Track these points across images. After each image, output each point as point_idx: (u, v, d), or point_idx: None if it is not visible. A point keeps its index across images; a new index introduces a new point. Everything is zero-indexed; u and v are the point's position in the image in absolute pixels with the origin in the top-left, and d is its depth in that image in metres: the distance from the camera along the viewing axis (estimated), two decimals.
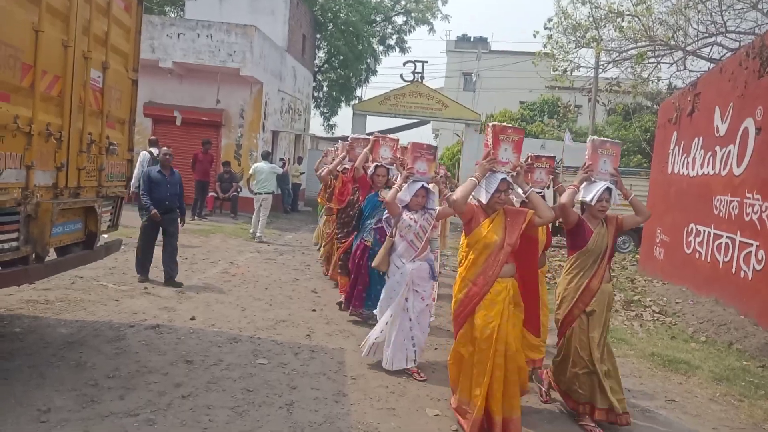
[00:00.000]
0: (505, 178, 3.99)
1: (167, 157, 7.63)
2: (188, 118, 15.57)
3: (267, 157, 12.98)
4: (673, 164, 10.46)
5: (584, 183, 4.36)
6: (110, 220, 5.55)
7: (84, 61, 4.57)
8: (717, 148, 8.47)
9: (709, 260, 8.36)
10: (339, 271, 7.24)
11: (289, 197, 18.45)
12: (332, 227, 8.05)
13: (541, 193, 4.72)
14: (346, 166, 7.55)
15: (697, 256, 8.78)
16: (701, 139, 9.20)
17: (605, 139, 4.46)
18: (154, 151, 12.80)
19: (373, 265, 5.18)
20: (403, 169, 5.95)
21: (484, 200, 4.02)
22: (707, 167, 8.79)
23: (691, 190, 9.37)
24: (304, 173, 20.23)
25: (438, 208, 5.18)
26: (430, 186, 5.13)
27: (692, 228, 9.04)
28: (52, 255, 4.69)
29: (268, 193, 12.24)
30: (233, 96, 15.89)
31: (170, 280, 7.46)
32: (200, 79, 15.74)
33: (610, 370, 4.31)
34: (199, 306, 6.72)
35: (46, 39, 3.99)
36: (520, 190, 4.17)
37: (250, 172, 12.50)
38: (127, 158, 5.71)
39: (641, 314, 8.07)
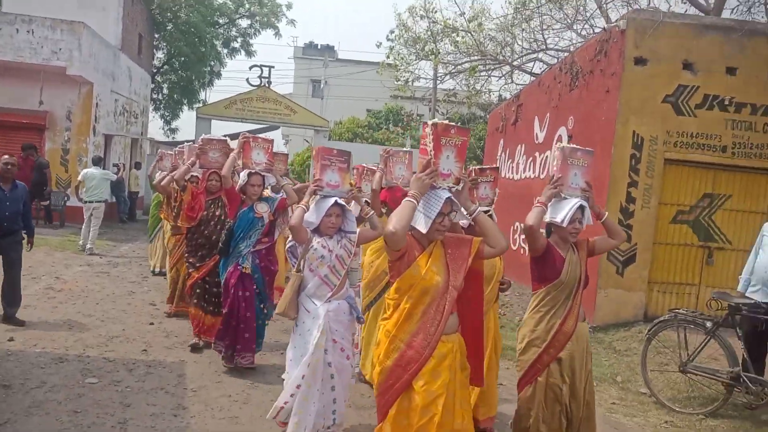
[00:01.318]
0: (449, 197, 2.98)
1: (8, 167, 6.08)
2: (6, 121, 14.02)
3: (98, 162, 12.10)
4: (500, 169, 11.39)
5: (552, 200, 3.52)
6: None
7: None
8: (537, 154, 9.38)
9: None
10: (193, 302, 5.96)
11: (125, 205, 17.32)
12: (178, 249, 6.93)
13: (488, 212, 4.06)
14: (196, 175, 6.42)
15: (522, 252, 9.62)
16: (524, 146, 10.12)
17: (576, 146, 3.65)
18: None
19: (277, 312, 3.84)
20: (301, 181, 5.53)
21: (423, 228, 2.94)
22: (529, 171, 9.69)
23: (516, 192, 10.26)
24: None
25: (358, 230, 3.94)
26: (348, 203, 3.88)
27: (517, 226, 9.90)
28: None
29: (100, 201, 11.37)
30: (59, 97, 14.57)
31: (10, 318, 6.14)
32: (20, 78, 14.21)
33: None
34: (16, 327, 6.08)
35: None
36: (464, 211, 3.14)
37: (79, 178, 11.56)
38: None
39: None
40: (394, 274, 3.05)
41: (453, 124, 3.04)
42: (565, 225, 3.45)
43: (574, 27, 15.85)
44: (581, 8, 15.69)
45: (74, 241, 11.75)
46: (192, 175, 6.48)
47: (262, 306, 5.38)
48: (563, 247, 3.57)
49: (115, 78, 16.85)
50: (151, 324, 6.73)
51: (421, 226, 2.94)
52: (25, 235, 6.40)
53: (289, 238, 3.89)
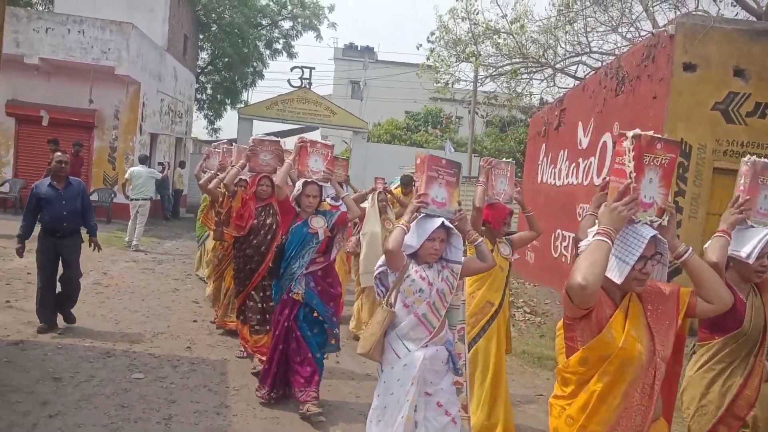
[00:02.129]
0: (654, 235, 2.15)
1: (61, 165, 5.78)
2: (57, 119, 14.51)
3: (144, 161, 12.41)
4: (542, 174, 11.26)
5: (736, 228, 2.85)
6: None
7: None
8: (580, 160, 9.24)
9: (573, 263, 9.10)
10: (239, 318, 5.63)
11: (169, 203, 17.71)
12: (225, 259, 6.43)
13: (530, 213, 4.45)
14: (245, 179, 5.85)
15: (563, 259, 9.50)
16: (566, 151, 9.99)
17: None
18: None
19: (359, 351, 3.17)
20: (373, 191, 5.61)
21: (617, 278, 2.11)
22: (572, 177, 9.55)
23: (557, 198, 10.13)
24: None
25: (463, 259, 3.24)
26: (454, 224, 3.19)
27: (558, 233, 9.77)
28: None
29: (146, 199, 11.69)
30: (107, 96, 15.01)
31: (65, 318, 6.01)
32: (71, 77, 14.72)
33: None
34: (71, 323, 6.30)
35: None
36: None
37: (126, 176, 11.89)
38: None
39: (514, 314, 8.60)
40: (575, 339, 2.20)
41: (659, 136, 2.22)
42: (751, 261, 2.80)
43: (619, 30, 15.53)
44: (626, 11, 15.39)
45: (120, 237, 12.08)
46: (240, 179, 5.88)
47: (324, 330, 4.60)
48: (743, 289, 2.89)
49: (161, 78, 17.27)
50: (195, 321, 6.87)
51: (615, 274, 2.11)
52: (86, 234, 6.07)
53: (379, 263, 3.22)
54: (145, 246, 11.90)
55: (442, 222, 3.07)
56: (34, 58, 13.94)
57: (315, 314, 4.49)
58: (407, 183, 7.86)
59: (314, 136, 35.56)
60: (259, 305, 5.42)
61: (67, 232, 5.78)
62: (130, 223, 11.67)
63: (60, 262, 5.89)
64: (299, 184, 4.42)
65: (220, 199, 5.98)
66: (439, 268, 3.16)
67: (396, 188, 8.48)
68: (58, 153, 5.90)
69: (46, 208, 5.67)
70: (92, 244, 6.05)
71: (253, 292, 5.42)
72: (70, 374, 4.82)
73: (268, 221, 5.48)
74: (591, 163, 8.80)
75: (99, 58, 14.21)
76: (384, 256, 3.18)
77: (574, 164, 9.53)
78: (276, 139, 5.38)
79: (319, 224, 4.46)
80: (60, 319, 6.01)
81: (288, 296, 4.48)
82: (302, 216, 4.51)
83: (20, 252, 5.66)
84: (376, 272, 3.22)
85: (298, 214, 4.52)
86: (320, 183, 4.45)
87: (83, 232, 6.03)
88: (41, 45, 14.01)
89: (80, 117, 14.83)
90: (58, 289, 5.97)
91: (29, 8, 20.04)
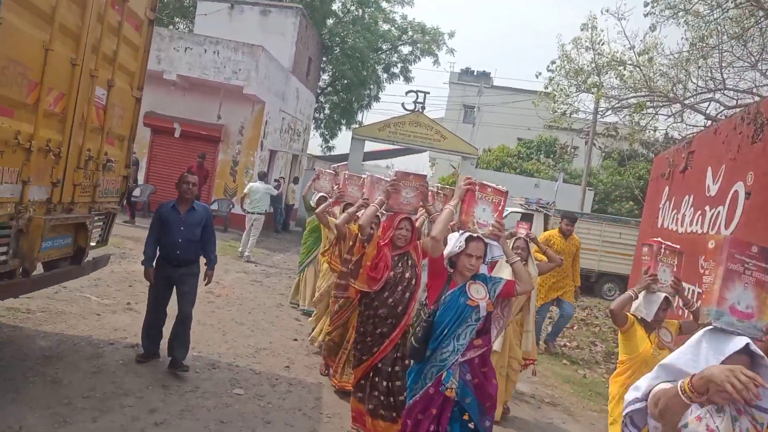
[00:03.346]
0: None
1: (188, 186, 5.31)
2: (187, 131, 15.62)
3: (263, 177, 13.04)
4: (663, 218, 10.57)
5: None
6: (100, 235, 5.56)
7: (90, 79, 4.61)
8: (707, 208, 8.58)
9: (692, 319, 8.41)
10: (358, 395, 4.68)
11: (281, 217, 18.45)
12: (348, 307, 5.41)
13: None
14: (379, 215, 5.00)
15: (680, 312, 8.82)
16: (692, 197, 9.31)
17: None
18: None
19: None
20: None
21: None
22: (696, 225, 8.88)
23: (679, 246, 9.46)
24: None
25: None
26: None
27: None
28: (38, 269, 4.69)
29: (261, 214, 12.26)
30: (234, 113, 15.98)
31: (174, 364, 5.29)
32: (203, 94, 15.83)
33: None
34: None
35: (55, 57, 4.03)
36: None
37: (245, 191, 12.53)
38: (123, 174, 5.73)
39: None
40: None
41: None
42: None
43: (759, 66, 14.45)
44: (767, 46, 14.28)
45: (234, 247, 12.72)
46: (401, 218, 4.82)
47: None
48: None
49: (284, 98, 18.12)
50: (295, 340, 7.05)
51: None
52: (204, 266, 5.51)
53: (632, 396, 2.20)
54: (256, 257, 12.44)
55: (747, 344, 2.03)
56: (173, 75, 15.13)
57: (466, 417, 3.41)
58: (572, 220, 7.73)
59: (423, 157, 35.90)
60: (386, 384, 4.42)
61: (181, 261, 5.28)
62: (244, 235, 12.27)
63: (175, 295, 5.40)
64: (460, 239, 3.44)
65: (350, 242, 5.27)
66: (734, 414, 2.01)
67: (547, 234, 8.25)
68: (188, 174, 5.40)
69: (164, 232, 5.26)
70: (206, 278, 5.52)
71: (380, 365, 4.44)
72: (177, 383, 5.07)
73: (406, 275, 4.49)
74: (719, 212, 8.13)
75: (230, 78, 15.16)
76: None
77: (699, 212, 8.85)
78: (422, 173, 4.52)
79: (479, 294, 3.45)
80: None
81: (436, 390, 3.41)
82: (457, 281, 3.51)
83: (150, 275, 5.30)
84: (627, 409, 2.19)
85: (451, 277, 3.53)
86: (489, 241, 3.48)
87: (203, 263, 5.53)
88: (180, 63, 15.19)
89: (208, 131, 15.85)
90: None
91: (172, 27, 21.84)
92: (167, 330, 5.43)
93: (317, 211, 6.49)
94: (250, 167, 16.08)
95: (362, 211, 5.05)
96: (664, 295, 4.04)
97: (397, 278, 4.49)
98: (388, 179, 4.92)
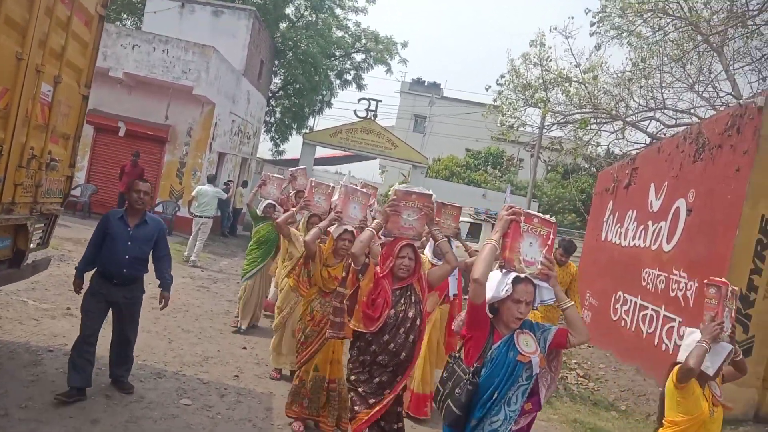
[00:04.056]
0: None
1: (140, 195, 4.73)
2: (133, 131, 15.13)
3: (212, 180, 12.77)
4: (606, 232, 10.93)
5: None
6: (41, 237, 5.29)
7: (36, 74, 4.39)
8: (649, 223, 8.92)
9: (633, 329, 8.71)
10: None
11: (228, 221, 18.11)
12: (314, 338, 4.77)
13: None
14: (349, 229, 4.63)
15: (623, 323, 9.13)
16: (635, 212, 9.67)
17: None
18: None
19: None
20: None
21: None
22: (639, 239, 9.23)
23: (621, 259, 9.79)
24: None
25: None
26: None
27: (620, 296, 9.42)
28: None
29: (209, 217, 11.99)
30: (183, 113, 15.58)
31: (117, 384, 4.91)
32: (150, 93, 15.38)
33: None
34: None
35: (0, 51, 3.83)
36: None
37: (193, 194, 12.22)
38: (67, 174, 5.48)
39: (566, 376, 8.27)
40: None
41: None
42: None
43: (696, 88, 15.18)
44: (705, 69, 15.02)
45: (179, 251, 12.36)
46: (344, 230, 4.63)
47: None
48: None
49: (235, 100, 17.82)
50: (244, 348, 6.90)
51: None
52: (158, 288, 4.99)
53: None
54: (202, 262, 12.14)
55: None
56: (119, 72, 14.64)
57: None
58: (568, 250, 7.02)
59: (372, 164, 35.98)
60: None
61: (125, 280, 4.71)
62: (191, 239, 11.96)
63: (112, 315, 4.84)
64: (506, 281, 2.88)
65: (317, 258, 4.77)
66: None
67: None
68: (139, 182, 4.82)
69: (108, 246, 4.64)
70: (161, 300, 4.97)
71: (382, 422, 3.85)
72: (121, 393, 4.87)
73: (410, 314, 3.75)
74: (661, 227, 8.48)
75: (179, 77, 14.79)
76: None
77: (642, 226, 9.20)
78: (428, 192, 3.82)
79: (530, 347, 2.88)
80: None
81: None
82: (502, 331, 2.94)
83: (78, 287, 4.79)
84: None
85: (493, 328, 2.96)
86: (537, 282, 2.94)
87: (148, 282, 5.06)
88: (127, 60, 14.71)
89: (155, 131, 15.41)
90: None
91: (118, 24, 21.19)
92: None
93: (279, 221, 5.77)
94: (197, 169, 15.71)
95: (333, 226, 4.63)
96: (730, 346, 3.53)
97: (399, 318, 3.72)
98: (364, 190, 4.74)
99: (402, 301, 3.77)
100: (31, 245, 4.95)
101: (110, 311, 4.81)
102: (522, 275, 2.88)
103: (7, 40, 3.93)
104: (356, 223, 4.53)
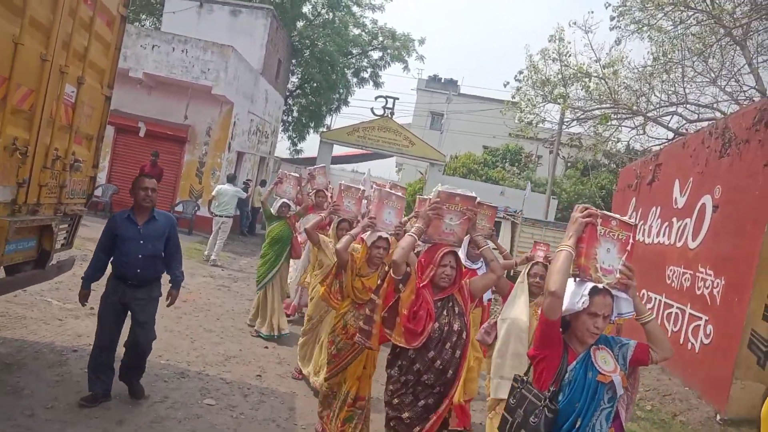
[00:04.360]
0: None
1: (147, 193, 4.54)
2: (153, 131, 15.24)
3: (232, 180, 12.82)
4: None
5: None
6: (65, 238, 5.33)
7: (60, 75, 4.41)
8: (674, 220, 8.77)
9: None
10: None
11: (247, 220, 18.18)
12: (348, 351, 4.45)
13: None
14: (384, 234, 4.36)
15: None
16: (659, 208, 9.52)
17: None
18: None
19: None
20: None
21: None
22: (663, 237, 9.07)
23: (645, 257, 9.64)
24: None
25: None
26: None
27: (644, 294, 9.26)
28: (0, 272, 4.47)
29: (229, 217, 12.04)
30: (202, 113, 15.67)
31: (132, 392, 4.74)
32: (170, 93, 15.48)
33: None
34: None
35: (25, 52, 3.85)
36: None
37: (213, 193, 12.28)
38: (90, 175, 5.52)
39: None
40: None
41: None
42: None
43: (718, 82, 14.91)
44: (728, 62, 14.74)
45: (199, 251, 12.44)
46: (378, 236, 4.35)
47: None
48: None
49: (253, 100, 17.87)
50: (266, 348, 6.90)
51: None
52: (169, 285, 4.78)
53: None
54: (222, 261, 12.19)
55: None
56: (139, 72, 14.75)
57: None
58: None
59: (389, 162, 35.93)
60: None
61: (141, 280, 4.54)
62: (211, 238, 12.01)
63: (129, 318, 4.68)
64: (581, 291, 2.59)
65: (349, 268, 4.44)
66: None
67: None
68: (145, 179, 4.62)
69: (119, 247, 4.50)
70: (169, 297, 4.79)
71: None
72: (146, 393, 4.88)
73: (455, 326, 3.40)
74: (686, 224, 8.32)
75: (198, 77, 14.86)
76: None
77: (667, 223, 9.05)
78: (472, 195, 3.54)
79: (608, 366, 2.60)
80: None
81: None
82: (576, 349, 2.64)
83: (84, 298, 4.64)
84: None
85: (567, 345, 2.64)
86: (615, 292, 2.62)
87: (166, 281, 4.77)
88: (146, 60, 14.82)
89: (174, 131, 15.50)
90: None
91: (138, 24, 21.36)
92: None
93: (308, 227, 5.47)
94: (216, 169, 15.78)
95: (367, 233, 4.42)
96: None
97: (444, 331, 3.35)
98: (399, 194, 4.41)
99: (444, 312, 3.41)
100: (56, 246, 4.98)
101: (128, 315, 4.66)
102: (599, 285, 2.58)
103: (31, 41, 3.94)
104: (391, 229, 4.29)
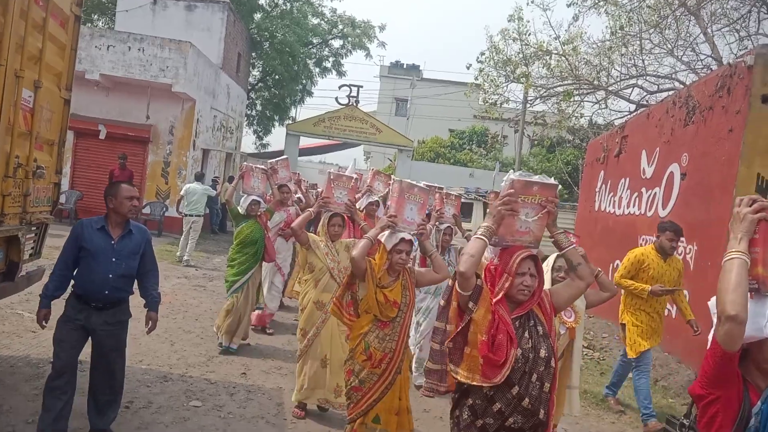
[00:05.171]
0: None
1: (134, 203, 3.96)
2: (114, 133, 14.89)
3: (200, 178, 12.62)
4: (599, 202, 10.94)
5: None
6: (33, 248, 5.18)
7: (15, 80, 4.24)
8: (643, 190, 8.92)
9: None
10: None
11: (217, 217, 17.93)
12: (372, 380, 3.73)
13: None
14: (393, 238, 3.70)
15: (622, 292, 9.13)
16: (628, 180, 9.67)
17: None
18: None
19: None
20: None
21: None
22: (633, 207, 9.23)
23: (617, 227, 9.80)
24: None
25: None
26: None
27: (617, 265, 9.41)
28: None
29: (200, 215, 11.85)
30: (163, 112, 15.34)
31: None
32: (129, 93, 15.11)
33: None
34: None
35: None
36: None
37: (181, 192, 12.07)
38: (54, 181, 5.35)
39: None
40: None
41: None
42: None
43: (675, 53, 15.17)
44: (683, 33, 15.00)
45: (171, 252, 12.23)
46: (400, 239, 3.67)
47: None
48: None
49: (215, 95, 17.57)
50: (248, 344, 6.81)
51: None
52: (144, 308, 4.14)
53: None
54: (196, 261, 12.01)
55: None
56: (95, 74, 14.35)
57: None
58: (678, 233, 5.68)
59: (357, 150, 35.84)
60: None
61: (108, 302, 3.89)
62: (182, 239, 11.82)
63: (92, 348, 3.96)
64: (763, 311, 2.05)
65: (368, 277, 3.71)
66: None
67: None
68: (127, 186, 3.98)
69: (87, 264, 3.83)
70: (148, 321, 4.12)
71: None
72: (129, 399, 4.78)
73: (541, 352, 2.66)
74: (656, 193, 8.47)
75: (157, 76, 14.53)
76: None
77: (636, 194, 9.20)
78: (551, 182, 2.80)
79: None
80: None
81: None
82: (757, 384, 2.06)
83: (43, 318, 3.99)
84: None
85: (746, 381, 2.06)
86: None
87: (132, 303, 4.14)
88: (102, 61, 14.42)
89: (136, 132, 15.17)
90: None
91: (91, 25, 20.76)
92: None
93: (294, 226, 4.79)
94: (182, 168, 15.50)
95: (385, 234, 3.73)
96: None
97: (528, 359, 2.63)
98: (422, 185, 3.87)
99: (526, 335, 2.66)
100: (24, 256, 4.83)
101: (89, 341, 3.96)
102: None
103: None
104: (414, 229, 3.71)
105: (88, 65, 14.20)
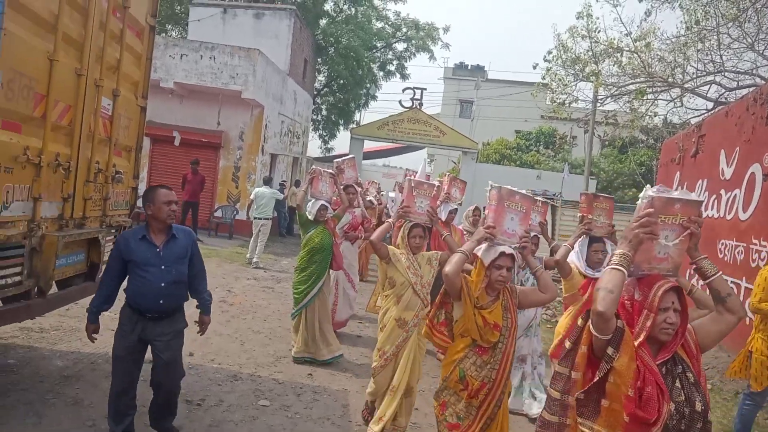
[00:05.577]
0: None
1: (170, 206, 3.80)
2: (187, 139, 15.46)
3: (268, 182, 12.93)
4: None
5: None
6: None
7: (95, 89, 4.46)
8: (722, 192, 8.47)
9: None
10: None
11: (285, 221, 18.31)
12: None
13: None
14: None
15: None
16: (705, 181, 9.20)
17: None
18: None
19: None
20: None
21: None
22: (712, 210, 8.77)
23: None
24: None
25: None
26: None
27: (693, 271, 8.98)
28: (52, 287, 4.54)
29: (268, 219, 12.15)
30: (233, 118, 15.82)
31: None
32: (201, 101, 15.67)
33: None
34: (197, 338, 6.44)
35: (60, 68, 3.89)
36: None
37: (251, 196, 12.40)
38: (131, 186, 5.58)
39: None
40: None
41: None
42: None
43: (756, 47, 14.34)
44: (764, 26, 14.16)
45: (241, 254, 12.58)
46: (500, 253, 3.25)
47: None
48: None
49: (282, 101, 17.96)
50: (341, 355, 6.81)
51: None
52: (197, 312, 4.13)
53: None
54: (264, 263, 12.29)
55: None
56: (170, 82, 14.96)
57: None
58: None
59: (420, 155, 35.80)
60: None
61: (163, 312, 3.82)
62: (252, 241, 12.13)
63: (151, 353, 3.90)
64: None
65: (465, 296, 3.26)
66: None
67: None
68: (164, 190, 3.82)
69: (136, 276, 3.76)
70: (200, 325, 4.12)
71: None
72: (201, 397, 4.93)
73: (696, 405, 2.25)
74: (736, 195, 8.01)
75: (228, 83, 15.00)
76: None
77: (715, 195, 8.73)
78: (696, 198, 2.36)
79: None
80: None
81: None
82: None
83: (92, 333, 4.01)
84: None
85: None
86: None
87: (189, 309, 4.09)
88: (176, 70, 15.02)
89: (208, 138, 15.71)
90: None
91: (165, 35, 21.67)
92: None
93: (373, 238, 4.39)
94: (252, 172, 15.93)
95: (482, 247, 3.31)
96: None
97: (684, 415, 2.22)
98: (524, 192, 3.44)
99: (677, 384, 2.25)
100: (104, 257, 5.05)
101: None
102: None
103: (65, 56, 3.98)
104: (515, 241, 3.25)
105: (162, 74, 14.82)
